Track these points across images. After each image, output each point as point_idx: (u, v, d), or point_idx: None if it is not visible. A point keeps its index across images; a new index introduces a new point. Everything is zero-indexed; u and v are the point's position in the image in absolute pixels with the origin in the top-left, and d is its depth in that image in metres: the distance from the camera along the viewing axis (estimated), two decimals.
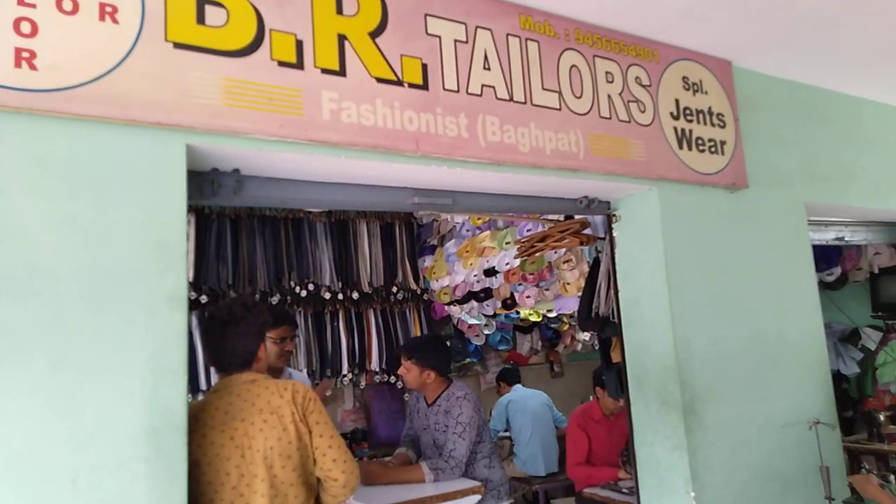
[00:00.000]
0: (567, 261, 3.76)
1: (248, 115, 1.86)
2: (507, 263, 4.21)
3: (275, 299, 4.50)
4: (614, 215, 2.95)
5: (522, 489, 4.91)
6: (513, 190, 2.65)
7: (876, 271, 4.63)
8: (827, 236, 3.98)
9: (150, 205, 1.72)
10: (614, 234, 2.97)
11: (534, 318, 5.66)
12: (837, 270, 4.65)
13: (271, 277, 4.49)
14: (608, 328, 3.11)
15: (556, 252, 3.78)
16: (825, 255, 4.52)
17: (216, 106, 1.82)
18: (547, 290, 4.08)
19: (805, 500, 2.87)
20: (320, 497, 1.94)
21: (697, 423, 2.69)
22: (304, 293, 4.61)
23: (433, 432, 2.84)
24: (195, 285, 4.18)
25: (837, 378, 4.67)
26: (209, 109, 1.81)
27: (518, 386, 5.26)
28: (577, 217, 3.24)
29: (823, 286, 4.60)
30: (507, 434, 5.13)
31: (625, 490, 3.38)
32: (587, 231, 3.22)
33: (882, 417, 4.03)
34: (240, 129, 1.85)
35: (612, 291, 3.01)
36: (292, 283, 4.58)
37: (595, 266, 3.22)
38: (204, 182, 2.02)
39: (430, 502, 2.35)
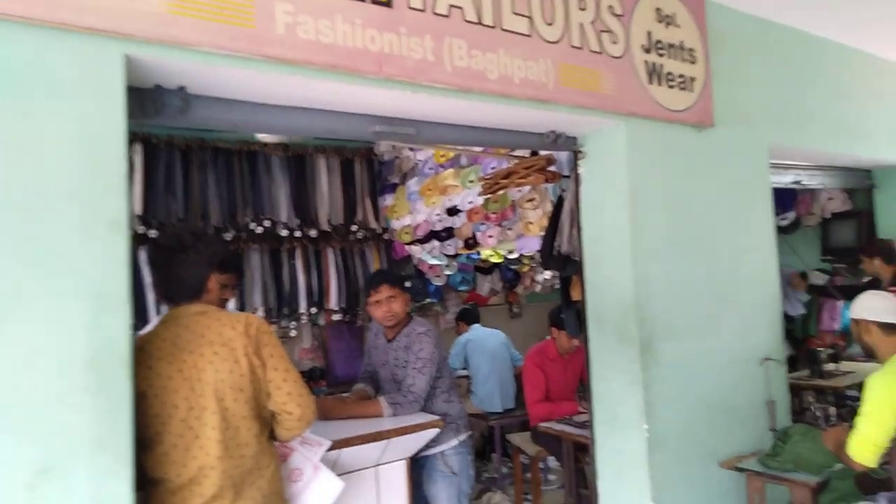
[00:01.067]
0: (530, 199, 3.71)
1: (196, 25, 1.70)
2: (471, 202, 4.14)
3: (229, 235, 4.34)
4: (580, 151, 2.90)
5: (479, 425, 5.01)
6: (479, 121, 2.56)
7: (828, 216, 4.74)
8: (785, 179, 4.03)
9: (84, 120, 1.57)
10: (580, 171, 2.92)
11: (495, 260, 5.66)
12: (792, 215, 4.74)
13: (225, 213, 4.32)
14: (569, 267, 3.10)
15: (519, 191, 3.73)
16: (781, 200, 4.58)
17: (160, 13, 1.66)
18: (509, 229, 4.04)
19: (751, 431, 2.99)
20: (275, 431, 1.89)
21: (653, 359, 2.73)
22: (259, 230, 4.46)
23: (392, 368, 2.81)
24: (144, 219, 3.99)
25: (784, 319, 4.84)
26: (152, 17, 1.64)
27: (477, 326, 5.30)
28: (542, 153, 3.17)
29: (778, 230, 4.69)
30: (466, 373, 5.19)
31: (579, 424, 3.46)
32: (552, 168, 3.16)
33: (823, 356, 4.20)
34: (186, 40, 1.69)
35: (574, 230, 2.99)
36: (247, 220, 4.42)
37: (559, 205, 3.18)
38: (146, 100, 1.86)
39: (388, 436, 2.34)
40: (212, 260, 1.86)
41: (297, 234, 4.64)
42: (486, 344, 5.08)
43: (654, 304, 2.75)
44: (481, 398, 4.99)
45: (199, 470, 1.73)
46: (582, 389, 3.94)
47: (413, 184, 4.67)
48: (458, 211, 4.27)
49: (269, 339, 1.84)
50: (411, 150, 4.70)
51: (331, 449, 2.15)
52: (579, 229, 2.94)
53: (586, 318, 2.93)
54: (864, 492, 2.56)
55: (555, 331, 4.00)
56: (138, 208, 3.96)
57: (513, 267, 5.99)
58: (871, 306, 2.51)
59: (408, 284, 5.18)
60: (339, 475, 2.25)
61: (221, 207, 4.30)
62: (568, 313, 3.32)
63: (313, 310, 4.78)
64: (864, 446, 2.33)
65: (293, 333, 4.85)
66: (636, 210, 2.73)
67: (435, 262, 5.19)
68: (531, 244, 3.97)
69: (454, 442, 2.80)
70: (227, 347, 1.78)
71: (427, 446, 2.70)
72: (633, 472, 2.74)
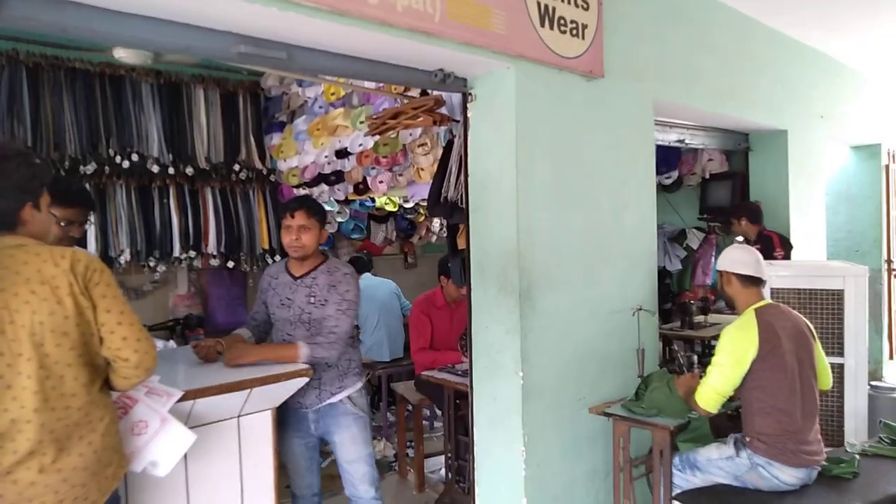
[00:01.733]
0: (422, 144, 3.58)
1: None
2: (361, 145, 3.94)
3: (89, 168, 3.91)
4: (470, 94, 2.78)
5: (367, 374, 4.95)
6: (359, 51, 2.37)
7: (707, 177, 4.96)
8: (670, 137, 4.14)
9: None
10: (469, 114, 2.81)
11: (389, 208, 5.53)
12: (675, 174, 4.92)
13: (84, 143, 3.87)
14: (456, 214, 3.02)
15: (410, 134, 3.58)
16: (665, 159, 4.74)
17: None
18: (401, 175, 3.89)
19: (621, 377, 3.10)
20: (111, 380, 1.69)
21: (532, 308, 2.73)
22: (126, 164, 4.04)
23: (301, 306, 2.59)
24: None
25: (662, 274, 5.08)
26: None
27: (367, 275, 5.17)
28: (433, 94, 3.03)
29: (661, 188, 4.86)
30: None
31: (460, 372, 3.46)
32: (442, 110, 3.03)
33: (694, 308, 4.45)
34: None
35: (462, 176, 2.90)
36: (111, 152, 3.99)
37: (448, 149, 3.07)
38: None
39: (249, 385, 2.18)
40: (26, 186, 1.59)
41: (171, 170, 4.26)
42: (375, 293, 4.98)
43: (535, 254, 2.73)
44: (369, 347, 4.91)
45: (12, 423, 1.51)
46: (464, 339, 3.95)
47: (301, 122, 4.40)
48: (349, 154, 4.07)
49: (101, 278, 1.62)
50: (299, 84, 4.40)
51: (183, 399, 1.97)
52: (466, 175, 2.86)
53: (470, 266, 2.87)
54: (717, 434, 2.73)
55: (443, 279, 3.96)
56: None
57: (408, 216, 5.89)
58: (732, 258, 2.62)
59: (330, 224, 4.96)
60: (196, 427, 2.10)
61: (80, 136, 3.84)
62: (454, 262, 3.26)
63: (190, 254, 4.45)
64: (709, 395, 2.45)
65: (157, 277, 4.51)
66: (522, 156, 2.67)
67: (326, 207, 4.97)
68: (423, 191, 3.85)
69: (359, 385, 2.73)
70: (48, 286, 1.54)
71: (333, 393, 2.61)
72: (508, 418, 2.77)
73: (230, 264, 4.69)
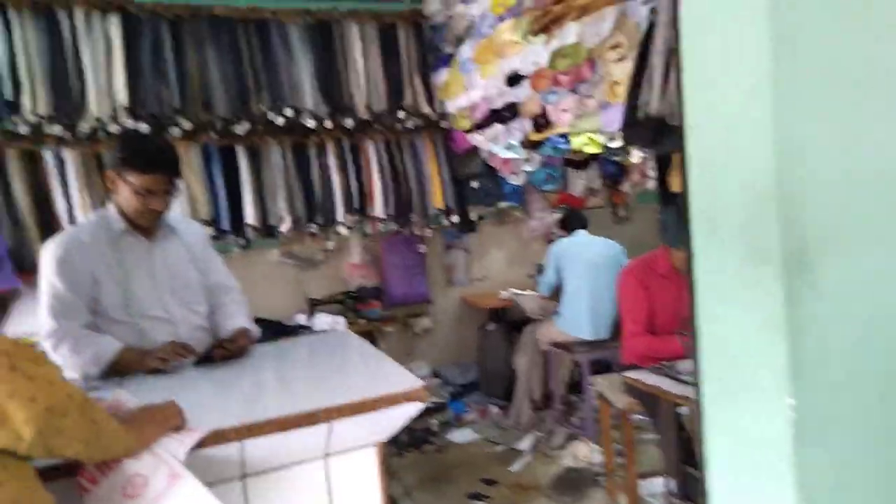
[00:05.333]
0: (615, 46, 2.48)
1: None
2: (534, 62, 2.96)
3: (241, 128, 3.53)
4: None
5: (560, 357, 4.05)
6: None
7: None
8: None
9: None
10: None
11: (590, 150, 4.41)
12: None
13: (234, 100, 3.49)
14: (665, 139, 1.92)
15: (597, 34, 2.50)
16: None
17: None
18: (589, 97, 2.85)
19: None
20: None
21: (809, 286, 1.53)
22: (280, 120, 3.61)
23: None
24: (132, 111, 3.27)
25: None
26: None
27: (582, 232, 4.21)
28: None
29: None
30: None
31: (683, 377, 2.36)
32: None
33: None
34: None
35: (672, 75, 1.78)
36: (263, 108, 3.57)
37: (646, 39, 1.96)
38: None
39: (328, 416, 1.44)
40: None
41: (329, 124, 3.73)
42: (583, 253, 4.02)
43: (812, 194, 1.50)
44: (567, 319, 3.98)
45: None
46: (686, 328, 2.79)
47: (467, 49, 3.54)
48: (521, 78, 3.12)
49: None
50: (463, 1, 3.53)
51: (218, 440, 1.30)
52: (679, 73, 1.74)
53: (690, 218, 1.77)
54: None
55: None
56: (122, 97, 3.23)
57: (615, 158, 4.71)
58: None
59: (516, 175, 4.17)
60: (255, 474, 1.43)
61: (228, 93, 3.47)
62: (666, 213, 2.16)
63: (355, 218, 3.94)
64: None
65: (332, 247, 4.07)
66: (784, 23, 1.47)
67: (510, 154, 4.08)
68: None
69: None
70: None
71: None
72: (767, 470, 1.64)
73: (398, 227, 4.09)
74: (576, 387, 4.52)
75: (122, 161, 1.96)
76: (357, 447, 1.56)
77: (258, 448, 1.39)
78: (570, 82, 2.80)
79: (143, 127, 3.27)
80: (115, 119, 3.23)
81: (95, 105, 3.18)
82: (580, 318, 3.91)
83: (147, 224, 2.05)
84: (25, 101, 3.09)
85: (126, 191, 1.98)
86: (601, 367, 3.75)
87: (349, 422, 1.48)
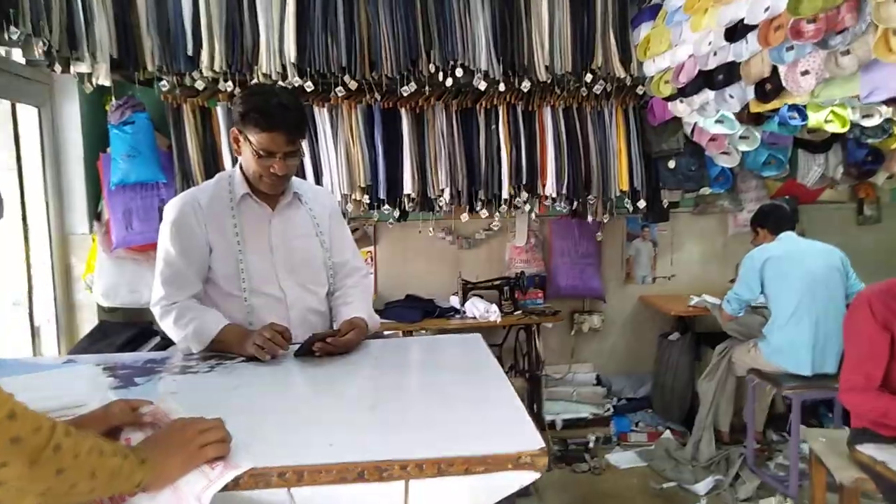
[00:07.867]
0: None
1: None
2: (767, 9, 2.21)
3: (408, 90, 3.25)
4: None
5: (761, 391, 3.24)
6: None
7: None
8: None
9: None
10: None
11: (834, 128, 3.41)
12: None
13: (402, 58, 3.21)
14: None
15: None
16: None
17: None
18: (844, 53, 2.05)
19: None
20: None
21: None
22: (449, 81, 3.25)
23: None
24: (299, 68, 3.14)
25: None
26: None
27: (791, 235, 3.33)
28: None
29: None
30: (765, 304, 3.36)
31: None
32: None
33: None
34: None
35: None
36: (432, 68, 3.24)
37: None
38: None
39: (406, 473, 1.05)
40: None
41: (501, 86, 3.29)
42: (798, 264, 3.17)
43: None
44: (778, 348, 3.18)
45: None
46: None
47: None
48: (746, 30, 2.38)
49: None
50: None
51: (264, 484, 0.99)
52: None
53: None
54: None
55: None
56: (292, 54, 3.11)
57: (868, 140, 3.64)
58: None
59: (728, 154, 3.45)
60: None
61: (397, 52, 3.19)
62: None
63: (523, 195, 3.49)
64: None
65: (496, 227, 3.66)
66: None
67: (721, 129, 3.30)
68: (894, 79, 1.94)
69: None
70: None
71: None
72: None
73: (572, 210, 3.55)
74: (778, 420, 3.68)
75: (242, 117, 1.75)
76: None
77: (307, 500, 1.05)
78: (817, 32, 2.03)
79: (309, 85, 3.13)
80: (283, 76, 3.13)
81: (265, 62, 3.10)
82: (798, 349, 3.09)
83: (267, 189, 1.83)
84: (204, 56, 3.10)
85: (247, 151, 1.78)
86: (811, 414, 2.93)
87: (432, 483, 1.07)
